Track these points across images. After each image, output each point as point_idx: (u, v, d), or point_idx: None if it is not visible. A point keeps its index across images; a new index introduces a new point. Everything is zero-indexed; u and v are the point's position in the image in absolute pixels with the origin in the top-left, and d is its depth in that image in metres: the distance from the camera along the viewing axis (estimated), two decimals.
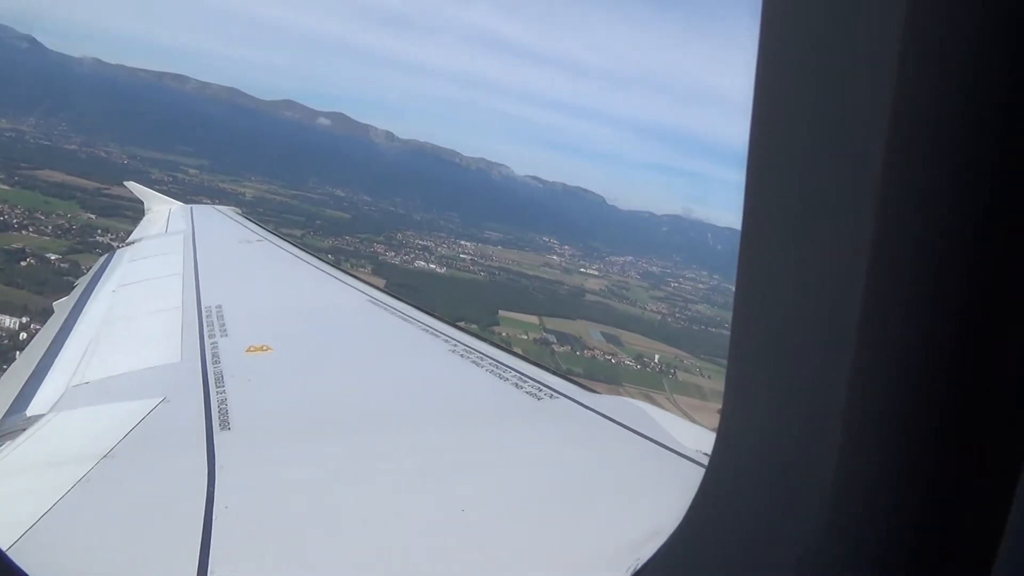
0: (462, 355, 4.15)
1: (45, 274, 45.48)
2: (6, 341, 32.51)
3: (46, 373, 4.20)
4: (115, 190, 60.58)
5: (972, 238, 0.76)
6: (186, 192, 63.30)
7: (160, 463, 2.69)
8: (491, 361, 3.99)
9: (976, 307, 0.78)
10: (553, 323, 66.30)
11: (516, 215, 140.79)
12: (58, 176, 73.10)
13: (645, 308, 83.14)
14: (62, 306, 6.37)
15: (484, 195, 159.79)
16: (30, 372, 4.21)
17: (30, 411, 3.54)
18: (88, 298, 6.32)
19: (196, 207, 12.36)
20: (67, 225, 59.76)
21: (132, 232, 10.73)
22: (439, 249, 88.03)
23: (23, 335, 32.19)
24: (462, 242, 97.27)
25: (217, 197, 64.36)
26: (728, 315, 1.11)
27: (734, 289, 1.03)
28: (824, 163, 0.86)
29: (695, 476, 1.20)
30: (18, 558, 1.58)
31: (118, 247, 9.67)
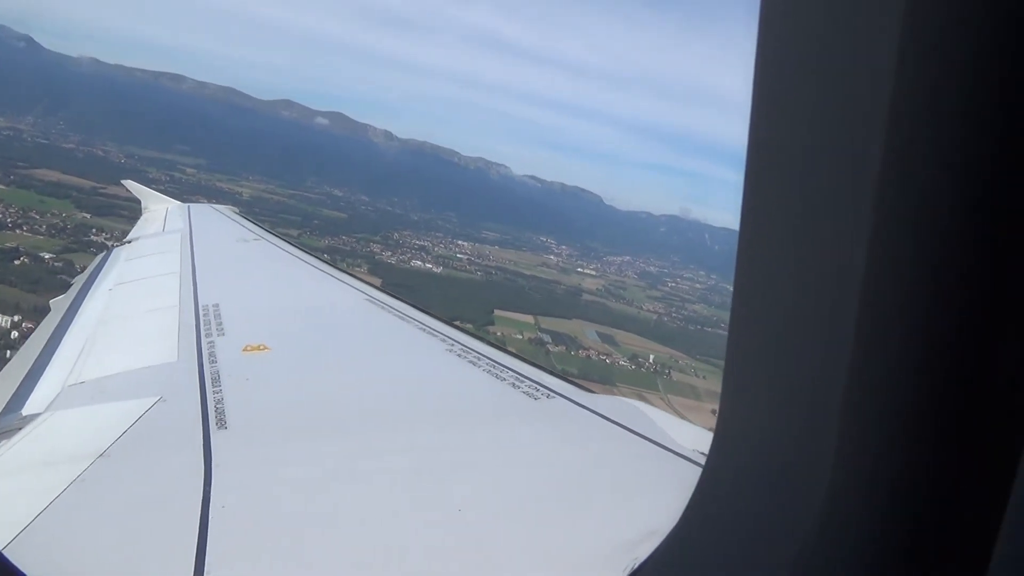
0: (459, 355, 4.15)
1: (38, 273, 45.51)
2: None
3: (42, 372, 4.20)
4: (111, 189, 60.61)
5: (972, 238, 0.76)
6: (184, 191, 63.21)
7: (156, 462, 2.69)
8: (488, 361, 3.99)
9: (975, 307, 0.78)
10: (548, 323, 66.32)
11: (514, 215, 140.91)
12: (54, 175, 73.01)
13: (641, 308, 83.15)
14: (59, 304, 6.35)
15: (482, 195, 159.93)
16: (26, 371, 4.20)
17: (26, 410, 3.53)
18: (85, 296, 6.31)
19: (193, 206, 12.34)
20: (61, 224, 59.74)
21: (127, 231, 10.72)
22: (436, 249, 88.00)
23: (14, 334, 32.13)
24: (459, 242, 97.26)
25: (214, 196, 64.38)
26: (725, 315, 1.10)
27: (732, 289, 1.03)
28: (823, 163, 0.86)
29: (692, 475, 1.20)
30: (14, 557, 1.58)
31: (114, 246, 9.65)
